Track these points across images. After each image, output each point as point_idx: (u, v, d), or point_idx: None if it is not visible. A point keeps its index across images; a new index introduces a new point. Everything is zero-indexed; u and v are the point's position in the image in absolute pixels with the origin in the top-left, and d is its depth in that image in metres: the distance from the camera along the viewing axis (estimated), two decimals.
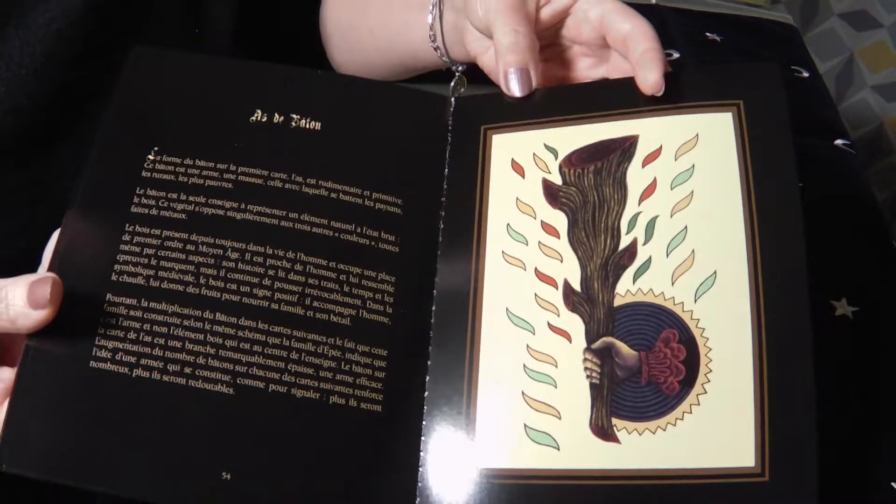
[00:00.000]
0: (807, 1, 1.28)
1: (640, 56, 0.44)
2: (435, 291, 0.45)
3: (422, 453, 0.42)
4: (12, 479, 0.40)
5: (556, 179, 0.45)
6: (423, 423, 0.42)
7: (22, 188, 0.51)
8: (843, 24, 1.22)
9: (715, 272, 0.41)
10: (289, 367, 0.41)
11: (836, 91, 1.24)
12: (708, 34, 0.81)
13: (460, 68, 0.56)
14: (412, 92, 0.50)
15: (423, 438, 0.42)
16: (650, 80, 0.44)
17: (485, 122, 0.47)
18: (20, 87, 0.49)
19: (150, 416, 0.40)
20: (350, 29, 0.61)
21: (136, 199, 0.44)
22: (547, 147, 0.46)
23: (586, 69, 0.51)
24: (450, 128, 0.48)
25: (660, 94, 0.44)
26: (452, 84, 0.55)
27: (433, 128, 0.48)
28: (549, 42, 0.51)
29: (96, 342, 0.41)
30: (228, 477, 0.39)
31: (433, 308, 0.44)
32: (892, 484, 0.52)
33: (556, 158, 0.46)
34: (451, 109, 0.48)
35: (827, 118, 0.75)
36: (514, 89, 0.46)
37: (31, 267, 0.44)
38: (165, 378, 0.40)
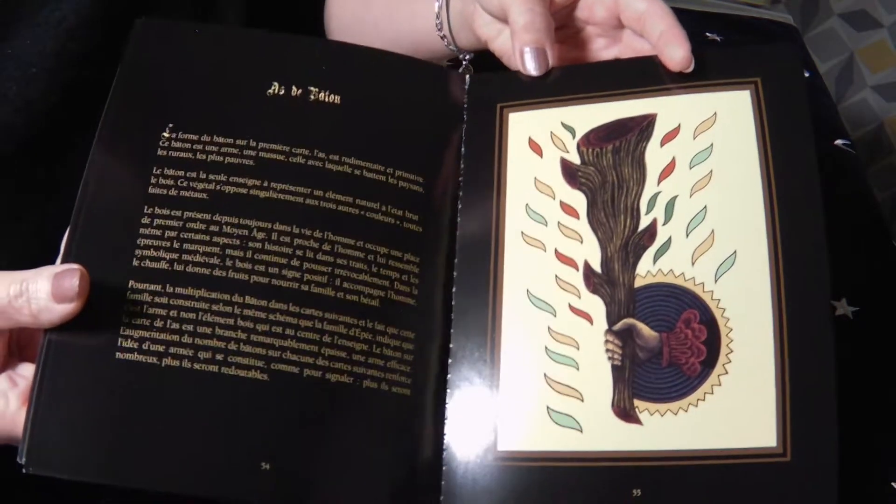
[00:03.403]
0: (807, 1, 1.30)
1: (661, 34, 0.46)
2: (455, 272, 0.45)
3: (445, 436, 0.43)
4: (15, 475, 0.38)
5: (575, 159, 0.46)
6: (447, 405, 0.43)
7: (36, 187, 0.51)
8: (843, 24, 1.24)
9: (735, 252, 0.42)
10: (322, 351, 0.41)
11: (836, 91, 1.27)
12: (708, 34, 0.82)
13: (467, 57, 0.57)
14: (430, 66, 0.50)
15: (446, 421, 0.43)
16: (678, 56, 0.45)
17: (501, 101, 0.48)
18: (31, 87, 0.49)
19: (183, 406, 0.39)
20: (354, 23, 0.62)
21: (153, 180, 0.43)
22: (564, 125, 0.47)
23: (599, 50, 0.52)
24: (465, 105, 0.49)
25: (689, 69, 0.45)
26: (458, 72, 0.56)
27: (450, 104, 0.48)
28: (561, 23, 0.52)
29: (121, 332, 0.40)
30: (268, 467, 0.39)
31: (454, 289, 0.45)
32: (893, 484, 0.54)
33: (574, 137, 0.47)
34: (466, 87, 0.49)
35: (827, 118, 0.77)
36: (531, 68, 0.47)
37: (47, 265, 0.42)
38: (197, 366, 0.40)
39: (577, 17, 0.52)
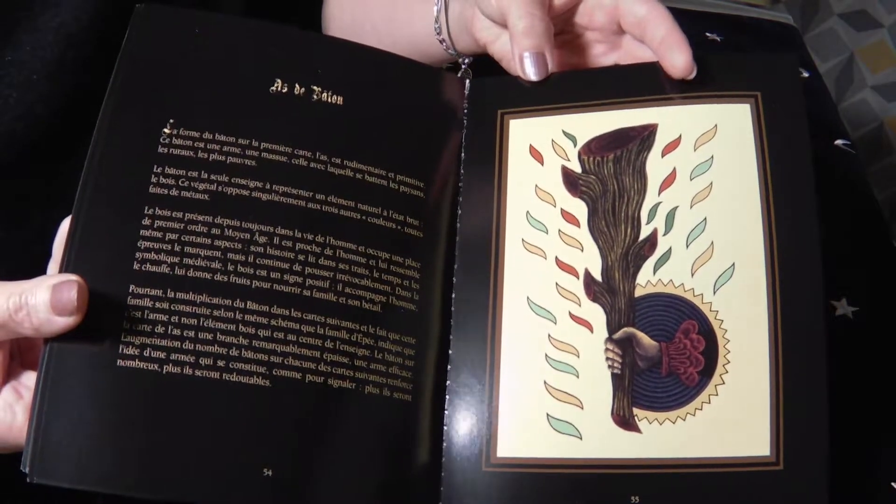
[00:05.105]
0: (807, 1, 1.30)
1: (662, 40, 0.46)
2: (455, 279, 0.45)
3: (445, 442, 0.43)
4: (15, 473, 0.38)
5: (576, 167, 0.46)
6: (446, 412, 0.43)
7: (37, 194, 0.51)
8: (843, 24, 1.25)
9: (733, 264, 0.43)
10: (324, 357, 0.41)
11: (836, 91, 1.27)
12: (708, 34, 0.83)
13: (466, 61, 0.56)
14: (431, 70, 0.49)
15: (445, 427, 0.43)
16: (679, 62, 0.45)
17: (501, 107, 0.48)
18: (32, 93, 0.49)
19: (185, 414, 0.39)
20: (352, 26, 0.62)
21: (153, 179, 0.42)
22: (566, 134, 0.47)
23: (598, 56, 0.52)
24: (465, 111, 0.49)
25: (691, 76, 0.45)
26: (458, 76, 0.56)
27: (451, 109, 0.48)
28: (560, 29, 0.52)
29: (122, 339, 0.39)
30: (270, 473, 0.39)
31: (454, 296, 0.45)
32: (893, 484, 0.54)
33: (575, 146, 0.47)
34: (467, 93, 0.49)
35: (827, 118, 0.78)
36: (530, 73, 0.47)
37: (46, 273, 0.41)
38: (198, 373, 0.39)
39: (577, 22, 0.52)
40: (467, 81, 0.50)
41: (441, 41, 0.56)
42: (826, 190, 0.66)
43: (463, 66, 0.57)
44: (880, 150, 1.25)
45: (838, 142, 0.76)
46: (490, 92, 0.49)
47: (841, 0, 1.26)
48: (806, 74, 0.82)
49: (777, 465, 0.41)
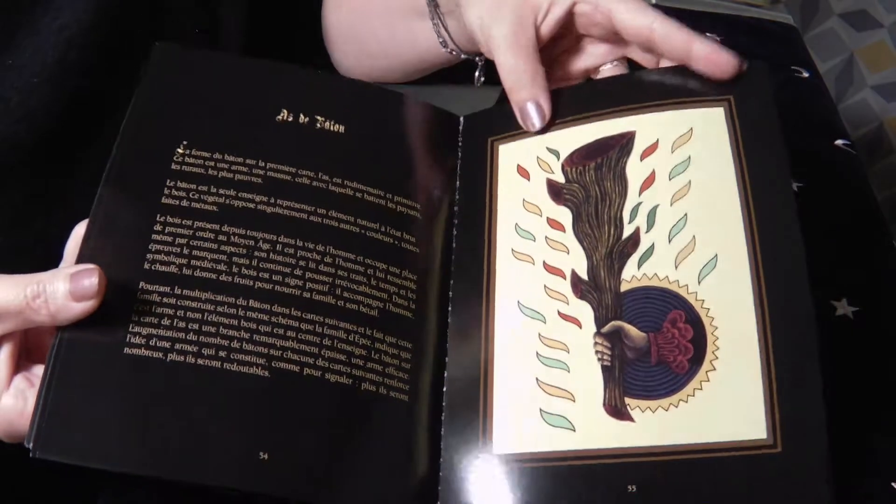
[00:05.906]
0: (807, 1, 1.30)
1: (687, 51, 0.47)
2: (451, 292, 0.47)
3: (443, 441, 0.44)
4: (15, 475, 0.40)
5: (560, 178, 0.49)
6: (444, 412, 0.45)
7: (38, 198, 0.51)
8: (843, 24, 1.24)
9: (716, 255, 0.44)
10: (322, 353, 0.43)
11: (836, 91, 1.26)
12: (708, 34, 0.88)
13: (480, 60, 0.57)
14: (427, 107, 0.53)
15: (443, 427, 0.44)
16: (726, 64, 0.46)
17: (491, 135, 0.51)
18: (33, 96, 0.50)
19: (186, 398, 0.41)
20: (353, 34, 0.63)
21: (166, 191, 0.45)
22: (549, 150, 0.50)
23: (604, 55, 0.53)
24: (460, 143, 0.52)
25: (745, 68, 0.47)
26: (476, 73, 0.58)
27: (445, 142, 0.52)
28: (560, 35, 0.52)
29: (130, 329, 0.42)
30: (266, 457, 0.41)
31: (450, 307, 0.47)
32: (893, 484, 0.53)
33: (559, 159, 0.49)
34: (461, 128, 0.52)
35: (827, 118, 0.77)
36: (533, 123, 0.49)
37: None
38: (200, 361, 0.42)
39: (577, 26, 0.52)
40: (461, 118, 0.53)
41: (451, 52, 0.57)
42: (826, 190, 0.66)
43: (479, 64, 0.57)
44: (880, 150, 1.24)
45: (838, 142, 0.76)
46: (481, 124, 0.52)
47: (841, 0, 1.26)
48: (806, 74, 0.82)
49: (775, 447, 0.40)
